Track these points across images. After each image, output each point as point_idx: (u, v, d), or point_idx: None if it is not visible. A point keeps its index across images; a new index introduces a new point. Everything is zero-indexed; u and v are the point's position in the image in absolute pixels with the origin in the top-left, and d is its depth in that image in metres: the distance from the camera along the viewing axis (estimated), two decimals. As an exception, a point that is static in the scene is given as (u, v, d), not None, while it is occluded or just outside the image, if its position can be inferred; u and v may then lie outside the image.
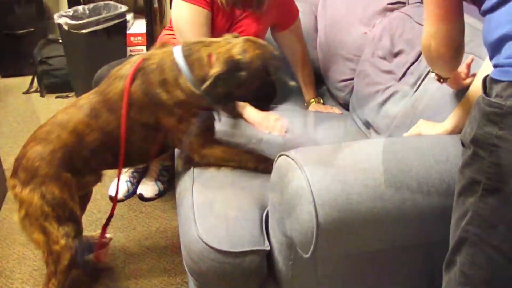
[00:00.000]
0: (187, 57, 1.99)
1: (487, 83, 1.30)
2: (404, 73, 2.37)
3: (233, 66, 1.93)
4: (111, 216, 2.27)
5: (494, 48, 1.30)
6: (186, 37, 2.48)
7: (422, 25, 2.29)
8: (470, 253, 1.36)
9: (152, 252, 2.65)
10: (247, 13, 2.63)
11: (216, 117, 2.12)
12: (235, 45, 1.97)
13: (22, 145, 2.10)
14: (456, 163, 1.63)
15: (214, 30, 2.58)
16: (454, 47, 1.58)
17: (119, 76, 2.07)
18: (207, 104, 2.01)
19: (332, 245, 1.57)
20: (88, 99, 2.11)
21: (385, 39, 2.56)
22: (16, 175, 2.07)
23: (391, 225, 1.59)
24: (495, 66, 1.28)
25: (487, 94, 1.28)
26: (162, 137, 2.08)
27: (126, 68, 2.08)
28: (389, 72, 2.45)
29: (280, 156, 1.69)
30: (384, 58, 2.53)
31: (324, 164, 1.58)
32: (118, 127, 2.03)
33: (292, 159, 1.61)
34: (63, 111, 2.14)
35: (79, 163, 2.08)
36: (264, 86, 2.04)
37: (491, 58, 1.33)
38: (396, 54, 2.47)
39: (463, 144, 1.38)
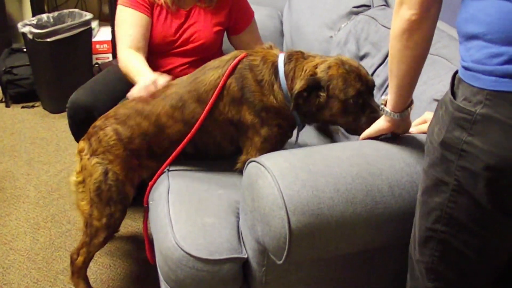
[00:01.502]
0: (285, 65, 1.94)
1: (456, 80, 1.32)
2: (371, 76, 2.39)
3: (313, 84, 1.87)
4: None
5: (464, 39, 1.30)
6: (123, 38, 2.48)
7: (387, 27, 2.33)
8: (439, 249, 1.39)
9: (124, 261, 2.64)
10: (196, 12, 2.60)
11: (294, 134, 2.08)
12: (324, 61, 1.91)
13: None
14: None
15: (160, 31, 2.56)
16: (425, 7, 1.39)
17: (215, 66, 2.03)
18: (294, 118, 1.99)
19: (305, 250, 1.57)
20: (177, 88, 2.06)
21: (351, 42, 2.58)
22: (89, 141, 2.10)
23: (364, 229, 1.59)
24: (465, 67, 1.28)
25: (454, 92, 1.30)
26: (238, 138, 2.05)
27: (224, 59, 2.04)
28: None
29: (250, 162, 1.69)
30: (350, 62, 2.54)
31: (294, 169, 1.58)
32: (204, 120, 2.00)
33: (262, 166, 1.61)
34: (145, 99, 2.09)
35: (158, 150, 2.08)
36: (358, 111, 1.89)
37: (460, 44, 1.33)
38: (362, 57, 2.49)
39: (427, 141, 1.40)
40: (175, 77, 2.24)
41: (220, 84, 1.96)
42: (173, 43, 2.58)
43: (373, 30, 2.48)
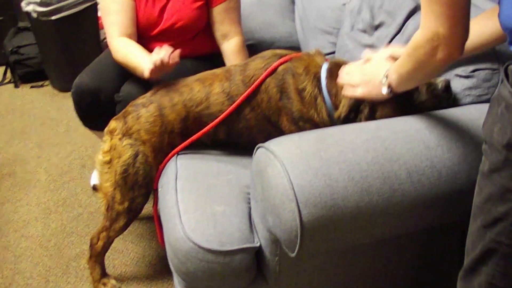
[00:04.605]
0: (327, 78, 1.89)
1: (510, 73, 1.17)
2: (387, 47, 2.28)
3: (354, 106, 1.82)
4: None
5: None
6: (111, 28, 2.40)
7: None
8: (501, 264, 1.25)
9: (137, 245, 2.58)
10: None
11: None
12: None
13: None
14: (448, 147, 1.55)
15: (143, 14, 2.45)
16: (464, 45, 1.37)
17: (263, 55, 2.05)
18: None
19: (319, 243, 1.50)
20: (233, 66, 2.11)
21: (365, 11, 2.46)
22: (124, 120, 2.04)
23: (380, 219, 1.51)
24: None
25: None
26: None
27: (274, 51, 2.06)
28: (370, 46, 2.35)
29: (258, 148, 1.61)
30: (364, 32, 2.43)
31: (305, 156, 1.49)
32: (243, 103, 1.97)
33: (271, 152, 1.53)
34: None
35: (192, 126, 2.02)
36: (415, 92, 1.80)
37: (511, 43, 1.20)
38: (376, 27, 2.37)
39: (486, 142, 1.25)
40: None
41: (257, 82, 1.95)
42: (157, 25, 2.47)
43: (387, -3, 2.36)
